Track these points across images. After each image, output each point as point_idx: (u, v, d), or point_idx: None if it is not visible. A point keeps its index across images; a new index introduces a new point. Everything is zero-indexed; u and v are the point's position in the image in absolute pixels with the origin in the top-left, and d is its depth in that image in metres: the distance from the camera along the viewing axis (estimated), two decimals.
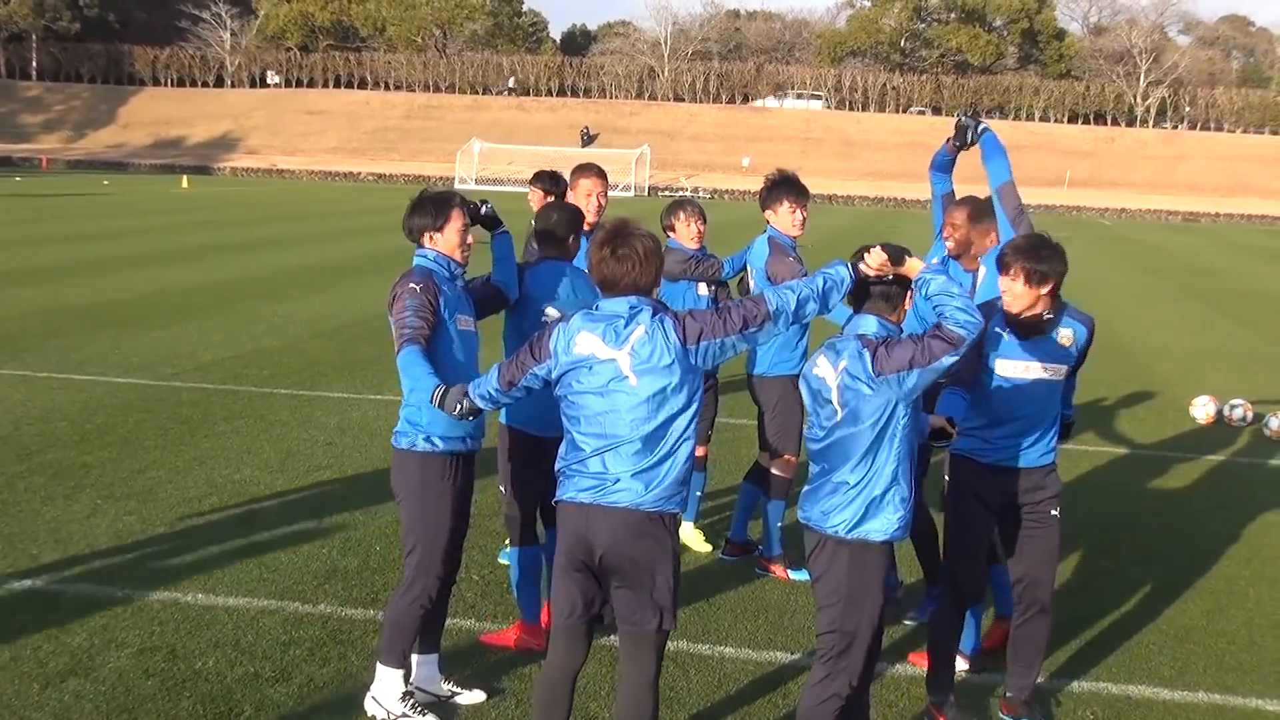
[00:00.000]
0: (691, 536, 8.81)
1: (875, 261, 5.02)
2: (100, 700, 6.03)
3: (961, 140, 7.28)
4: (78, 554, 8.05)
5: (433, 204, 6.07)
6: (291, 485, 9.80)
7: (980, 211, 7.29)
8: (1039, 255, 5.73)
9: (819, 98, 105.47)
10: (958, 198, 7.65)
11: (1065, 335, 5.94)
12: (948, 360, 4.87)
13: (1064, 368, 5.99)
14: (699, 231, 8.64)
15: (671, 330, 4.85)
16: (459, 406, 5.37)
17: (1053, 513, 6.10)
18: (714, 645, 7.04)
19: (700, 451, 8.79)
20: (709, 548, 8.79)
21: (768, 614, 7.56)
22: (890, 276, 5.09)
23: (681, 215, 8.66)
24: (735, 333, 4.91)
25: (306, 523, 8.87)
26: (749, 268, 8.28)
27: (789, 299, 4.96)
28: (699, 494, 8.99)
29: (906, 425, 5.08)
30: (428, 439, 5.90)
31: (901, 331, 5.23)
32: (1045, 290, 5.76)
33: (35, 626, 6.87)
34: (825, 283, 5.03)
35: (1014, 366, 5.92)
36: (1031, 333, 5.87)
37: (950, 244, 7.46)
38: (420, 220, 6.04)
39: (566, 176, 8.36)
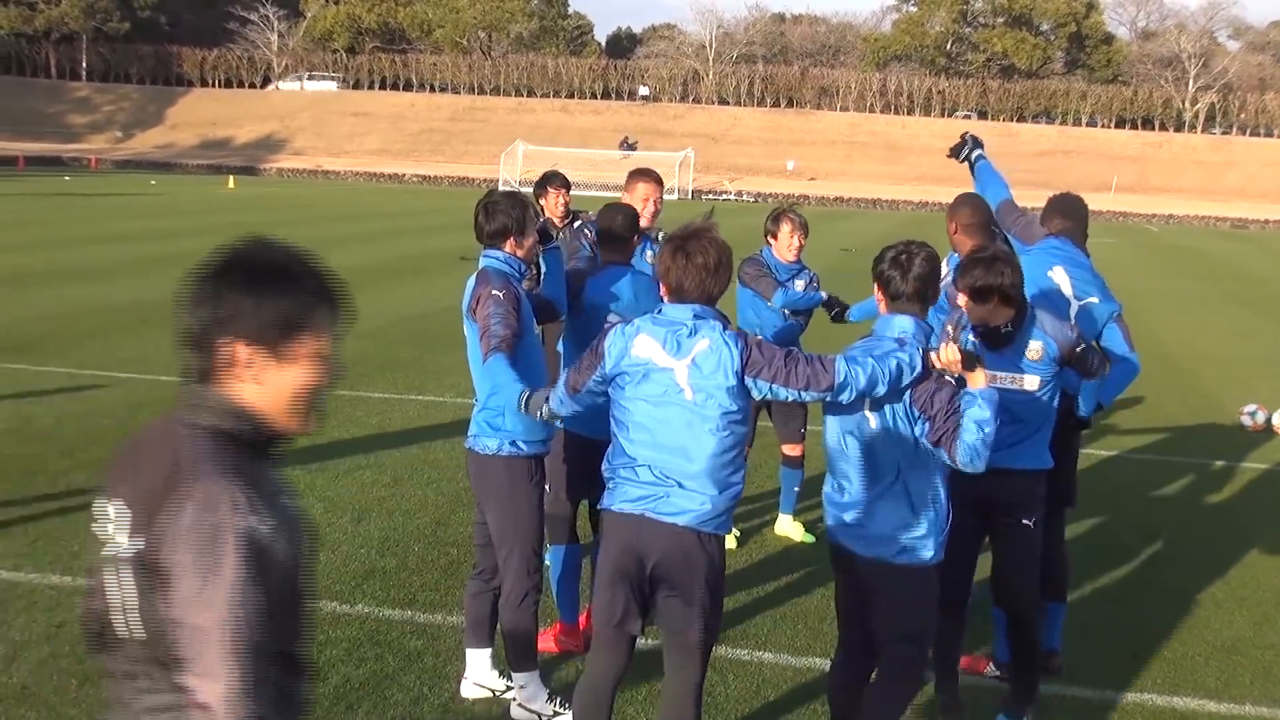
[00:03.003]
0: (792, 528, 9.07)
1: (947, 358, 4.88)
2: None
3: (955, 153, 7.71)
4: None
5: (520, 209, 6.04)
6: (330, 485, 9.80)
7: (953, 205, 7.34)
8: (979, 271, 5.67)
9: (334, 79, 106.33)
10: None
11: (1034, 349, 5.86)
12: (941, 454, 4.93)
13: (1035, 378, 5.89)
14: (800, 244, 8.66)
15: (737, 354, 4.76)
16: (541, 411, 5.37)
17: (1024, 521, 6.04)
18: (753, 651, 6.99)
19: (797, 450, 9.02)
20: (811, 538, 8.94)
21: (807, 620, 7.50)
22: (957, 374, 4.98)
23: (787, 226, 8.66)
24: (795, 388, 4.80)
25: (345, 523, 8.87)
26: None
27: (859, 376, 4.81)
28: (796, 489, 9.13)
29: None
30: (513, 443, 5.91)
31: (931, 329, 5.18)
32: (991, 304, 5.69)
33: (74, 623, 6.86)
34: (898, 366, 4.87)
35: None
36: (997, 344, 5.83)
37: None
38: (505, 222, 5.99)
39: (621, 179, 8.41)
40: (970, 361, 4.91)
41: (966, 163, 7.71)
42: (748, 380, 4.77)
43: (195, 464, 2.50)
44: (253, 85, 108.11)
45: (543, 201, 9.68)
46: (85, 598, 2.68)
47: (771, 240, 8.68)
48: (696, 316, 4.82)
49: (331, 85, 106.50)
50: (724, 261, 4.87)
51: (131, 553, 2.49)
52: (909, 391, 4.94)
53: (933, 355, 4.91)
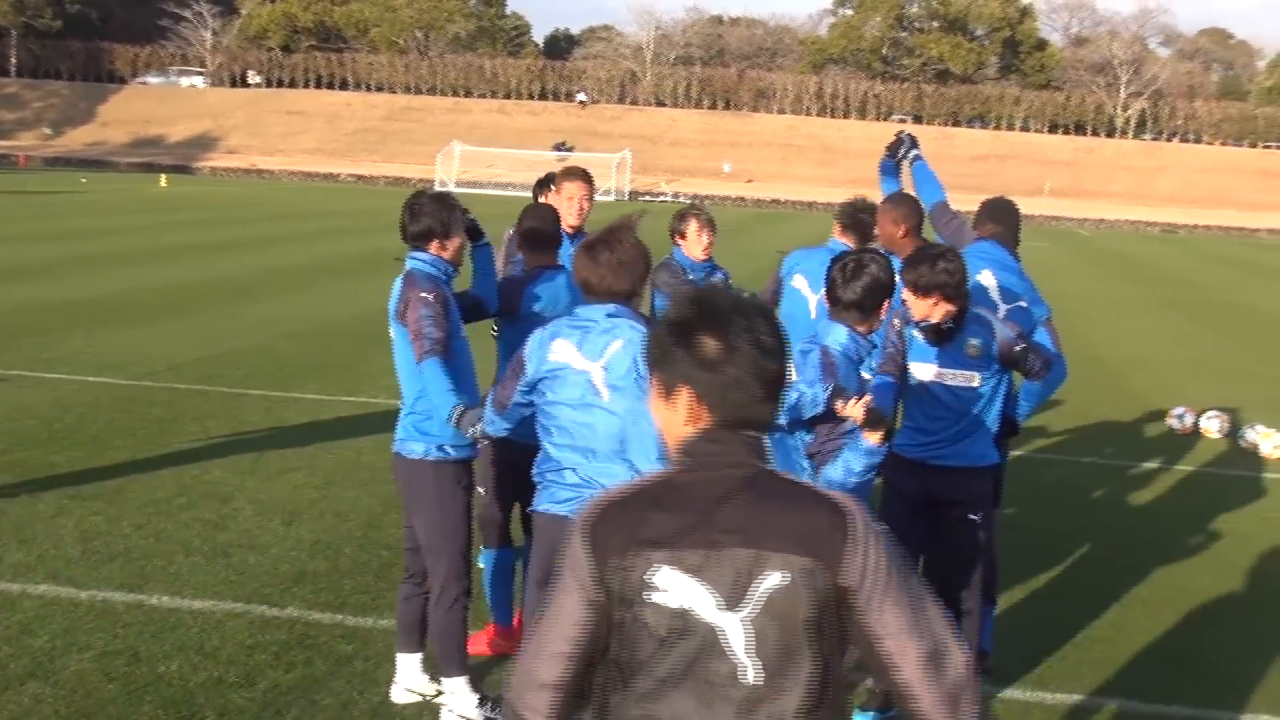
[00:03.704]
0: None
1: (851, 413, 4.88)
2: (60, 704, 5.94)
3: (892, 152, 7.76)
4: (42, 554, 7.94)
5: (445, 210, 5.95)
6: (261, 487, 9.69)
7: (891, 203, 7.47)
8: (924, 268, 5.75)
9: (200, 73, 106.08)
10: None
11: (973, 345, 5.96)
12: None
13: (976, 375, 5.98)
14: (709, 242, 8.47)
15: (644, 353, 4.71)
16: (473, 429, 5.33)
17: (970, 516, 6.10)
18: None
19: None
20: None
21: None
22: (856, 422, 4.95)
23: (693, 224, 8.37)
24: None
25: (275, 525, 8.77)
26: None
27: None
28: None
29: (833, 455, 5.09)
30: (440, 448, 5.84)
31: (873, 346, 5.21)
32: (932, 300, 5.77)
33: None
34: (799, 401, 4.87)
35: (921, 369, 6.03)
36: (937, 339, 5.94)
37: (889, 244, 7.56)
38: (429, 224, 5.90)
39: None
40: (873, 420, 4.85)
41: (904, 162, 7.75)
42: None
43: (850, 504, 2.71)
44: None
45: (542, 199, 9.43)
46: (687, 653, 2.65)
47: (680, 240, 8.41)
48: (610, 316, 4.80)
49: (198, 81, 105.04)
50: (630, 260, 4.83)
51: (791, 600, 2.61)
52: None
53: (838, 404, 4.89)
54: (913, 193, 7.72)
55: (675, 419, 2.78)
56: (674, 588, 2.61)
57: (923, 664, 2.66)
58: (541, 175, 9.47)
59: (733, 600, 2.59)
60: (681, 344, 2.74)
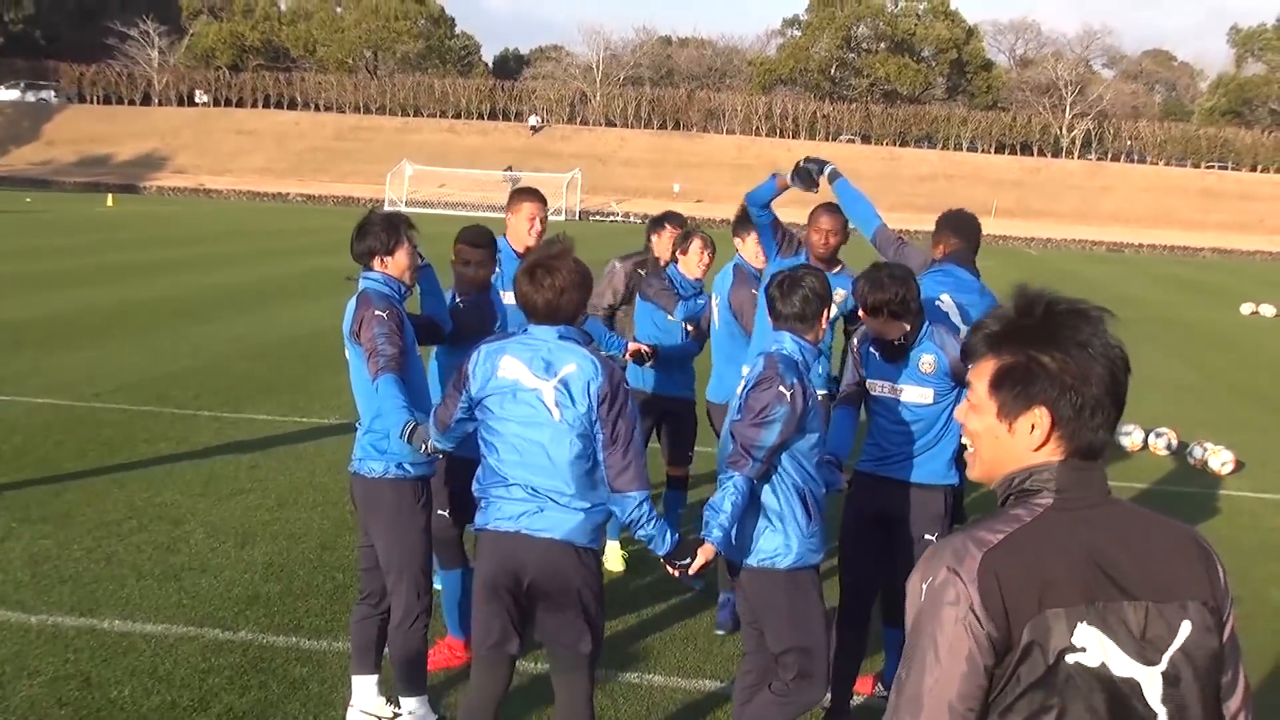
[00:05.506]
0: (613, 555, 8.83)
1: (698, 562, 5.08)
2: None
3: (807, 185, 7.50)
4: None
5: (384, 228, 6.00)
6: (213, 509, 9.62)
7: (829, 213, 7.69)
8: (866, 288, 5.90)
9: (53, 88, 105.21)
10: (814, 207, 7.83)
11: (926, 362, 6.04)
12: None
13: (929, 390, 6.05)
14: (708, 262, 8.66)
15: (599, 387, 4.78)
16: (424, 445, 5.35)
17: (926, 536, 6.13)
18: (642, 674, 6.96)
19: (680, 471, 8.88)
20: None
21: (696, 641, 7.50)
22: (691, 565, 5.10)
23: (696, 243, 8.63)
24: (612, 447, 4.83)
25: (228, 547, 8.71)
26: (714, 296, 8.41)
27: (628, 508, 4.84)
28: (680, 511, 8.93)
29: (791, 461, 5.23)
30: (399, 465, 5.84)
31: (820, 354, 5.34)
32: (881, 319, 5.90)
33: None
34: (655, 528, 4.93)
35: (876, 385, 6.16)
36: (892, 355, 6.05)
37: (822, 250, 7.61)
38: (371, 243, 5.97)
39: (506, 200, 8.32)
40: (681, 553, 5.05)
41: (826, 181, 7.61)
42: (596, 418, 4.79)
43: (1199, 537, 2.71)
44: (132, 102, 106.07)
45: (654, 238, 9.31)
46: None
47: (681, 256, 8.67)
48: (561, 336, 4.86)
49: (48, 96, 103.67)
50: (571, 283, 4.87)
51: (1215, 643, 2.57)
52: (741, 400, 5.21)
53: (677, 563, 5.07)
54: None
55: (1015, 443, 2.59)
56: (1094, 646, 2.45)
57: (1248, 695, 2.65)
58: (656, 215, 9.53)
59: (1149, 652, 2.49)
60: (1038, 357, 2.53)
